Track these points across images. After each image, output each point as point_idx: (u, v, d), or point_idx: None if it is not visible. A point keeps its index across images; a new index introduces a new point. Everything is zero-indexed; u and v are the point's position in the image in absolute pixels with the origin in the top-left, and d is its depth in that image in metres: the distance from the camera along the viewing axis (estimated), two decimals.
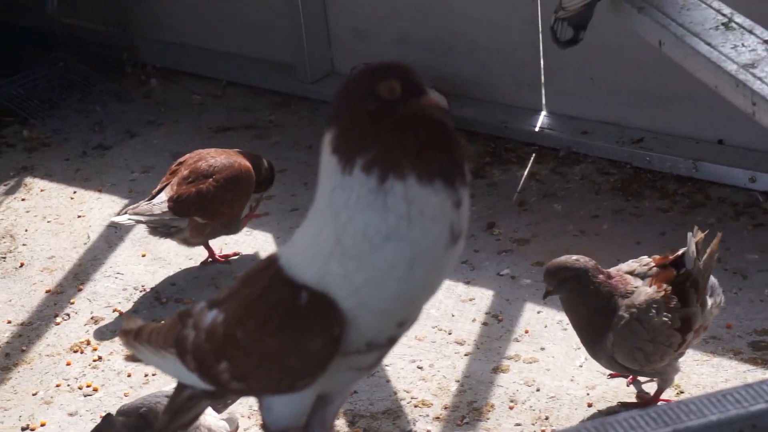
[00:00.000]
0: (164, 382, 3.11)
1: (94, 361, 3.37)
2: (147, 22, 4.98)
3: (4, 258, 3.87)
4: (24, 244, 3.93)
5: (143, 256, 3.82)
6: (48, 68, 4.84)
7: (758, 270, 3.48)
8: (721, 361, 3.16)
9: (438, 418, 3.07)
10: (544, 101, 4.27)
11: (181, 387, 1.65)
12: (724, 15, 2.68)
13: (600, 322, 2.85)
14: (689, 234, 2.90)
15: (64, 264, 3.81)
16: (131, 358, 1.74)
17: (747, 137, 3.89)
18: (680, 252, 2.91)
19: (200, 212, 3.58)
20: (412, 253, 1.33)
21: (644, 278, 2.90)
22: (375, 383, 3.18)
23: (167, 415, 1.69)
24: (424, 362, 3.26)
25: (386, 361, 3.23)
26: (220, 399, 1.64)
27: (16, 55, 4.93)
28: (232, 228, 3.71)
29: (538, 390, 3.13)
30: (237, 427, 2.83)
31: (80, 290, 3.68)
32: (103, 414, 2.73)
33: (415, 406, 3.11)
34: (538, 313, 3.40)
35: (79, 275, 3.75)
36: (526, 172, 4.09)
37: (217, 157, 3.65)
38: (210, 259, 3.77)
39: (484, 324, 3.39)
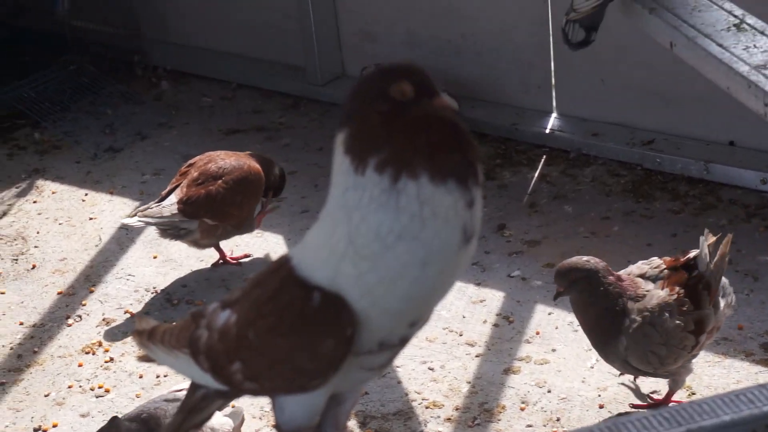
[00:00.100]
0: (175, 383, 3.12)
1: (106, 362, 3.38)
2: (157, 24, 4.99)
3: (16, 260, 3.88)
4: (36, 246, 3.95)
5: (154, 257, 3.83)
6: (59, 71, 4.86)
7: None
8: (733, 363, 3.16)
9: (449, 419, 3.07)
10: (554, 103, 4.27)
11: (194, 387, 1.66)
12: (735, 16, 2.68)
13: (610, 324, 2.84)
14: (702, 237, 2.89)
15: (76, 266, 3.82)
16: (144, 359, 1.75)
17: (758, 139, 3.88)
18: (691, 254, 2.91)
19: (210, 214, 3.59)
20: (424, 252, 1.33)
21: (655, 281, 2.90)
22: (386, 384, 3.19)
23: (180, 414, 1.69)
24: (435, 363, 3.26)
25: (397, 362, 3.23)
26: (234, 399, 1.64)
27: (27, 58, 4.95)
28: (242, 230, 3.72)
29: (549, 391, 3.12)
30: (242, 421, 2.83)
31: (92, 292, 3.69)
32: (117, 415, 2.74)
33: (427, 408, 3.11)
34: (549, 314, 3.39)
35: (91, 277, 3.76)
36: (536, 174, 4.09)
37: (226, 159, 3.66)
38: (221, 261, 3.78)
39: (495, 325, 3.39)
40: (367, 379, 1.50)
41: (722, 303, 2.93)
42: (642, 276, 2.92)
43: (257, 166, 3.69)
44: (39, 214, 4.14)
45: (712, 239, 2.89)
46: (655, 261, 2.95)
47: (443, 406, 3.11)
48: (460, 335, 3.36)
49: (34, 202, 4.21)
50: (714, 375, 3.13)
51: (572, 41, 3.08)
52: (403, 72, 1.36)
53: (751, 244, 3.59)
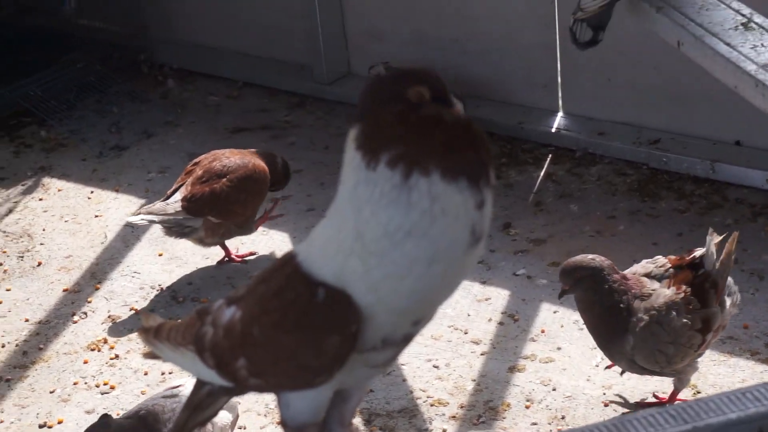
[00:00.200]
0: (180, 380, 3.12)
1: (111, 359, 3.38)
2: (164, 23, 4.99)
3: (22, 257, 3.89)
4: (42, 244, 3.95)
5: (160, 255, 3.84)
6: (65, 69, 4.87)
7: None
8: (738, 362, 3.16)
9: (454, 417, 3.07)
10: (560, 102, 4.26)
11: (199, 384, 1.66)
12: (743, 15, 2.68)
13: (616, 323, 2.84)
14: (708, 235, 2.89)
15: (82, 263, 3.83)
16: (150, 356, 1.75)
17: (765, 138, 3.88)
18: (696, 253, 2.91)
19: (214, 212, 3.59)
20: (432, 250, 1.33)
21: (661, 280, 2.90)
22: (391, 382, 3.19)
23: (186, 412, 1.69)
24: (440, 361, 3.26)
25: (402, 360, 3.23)
26: (239, 395, 1.64)
27: (33, 56, 4.96)
28: (246, 228, 3.72)
29: (554, 389, 3.12)
30: (237, 416, 2.84)
31: (97, 289, 3.69)
32: (121, 412, 2.74)
33: (432, 405, 3.11)
34: (555, 313, 3.39)
35: (97, 274, 3.77)
36: (542, 173, 4.08)
37: (231, 157, 3.66)
38: (226, 259, 3.78)
39: (500, 324, 3.39)
40: (371, 376, 1.50)
41: (728, 302, 2.93)
42: (647, 275, 2.91)
43: (262, 164, 3.70)
44: (45, 211, 4.14)
45: (718, 238, 2.89)
46: (660, 260, 2.94)
47: (448, 404, 3.11)
48: (466, 333, 3.36)
49: (40, 199, 4.21)
50: (719, 374, 3.13)
51: (580, 41, 3.08)
52: (422, 76, 1.37)
53: (757, 244, 3.59)
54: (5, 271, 3.82)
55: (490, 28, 4.31)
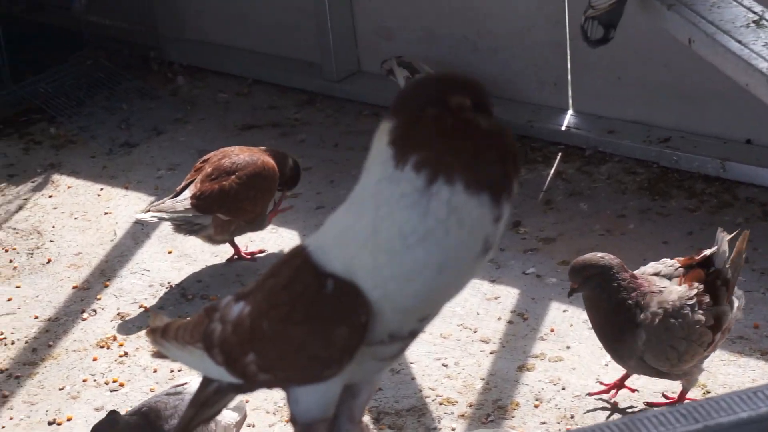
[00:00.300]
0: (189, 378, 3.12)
1: (120, 356, 3.39)
2: (173, 20, 5.00)
3: (32, 254, 3.89)
4: (51, 241, 3.96)
5: (169, 252, 3.84)
6: (75, 66, 4.87)
7: None
8: (748, 361, 3.15)
9: (463, 416, 3.06)
10: (570, 100, 4.25)
11: (206, 381, 1.65)
12: (755, 13, 2.67)
13: (624, 320, 2.83)
14: (719, 234, 2.89)
15: (91, 260, 3.83)
16: (158, 355, 1.74)
17: None
18: (706, 252, 2.90)
19: (223, 209, 3.59)
20: (442, 258, 1.33)
21: (671, 279, 2.89)
22: (400, 381, 3.18)
23: (192, 408, 1.69)
24: (449, 360, 3.25)
25: (411, 358, 3.23)
26: (247, 392, 1.63)
27: (43, 53, 4.96)
28: (256, 225, 3.72)
29: (563, 389, 3.12)
30: (245, 416, 2.84)
31: (107, 286, 3.70)
32: (129, 409, 2.74)
33: (440, 404, 3.10)
34: (564, 311, 3.39)
35: (106, 271, 3.77)
36: (552, 171, 4.08)
37: (240, 155, 3.66)
38: (236, 256, 3.78)
39: (510, 322, 3.38)
40: (379, 370, 1.50)
41: (735, 303, 2.92)
42: (656, 275, 2.91)
43: (271, 161, 3.70)
44: (54, 208, 4.15)
45: (728, 236, 2.89)
46: (668, 261, 2.94)
47: (457, 402, 3.10)
48: (475, 332, 3.35)
49: (50, 196, 4.22)
50: (729, 373, 3.12)
51: (591, 38, 3.07)
52: (466, 84, 1.37)
53: None
54: (15, 268, 3.82)
55: (499, 26, 4.30)
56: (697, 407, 1.35)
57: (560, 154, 4.16)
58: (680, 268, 2.90)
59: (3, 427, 3.17)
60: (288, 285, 1.43)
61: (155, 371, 3.31)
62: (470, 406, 3.09)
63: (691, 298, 2.83)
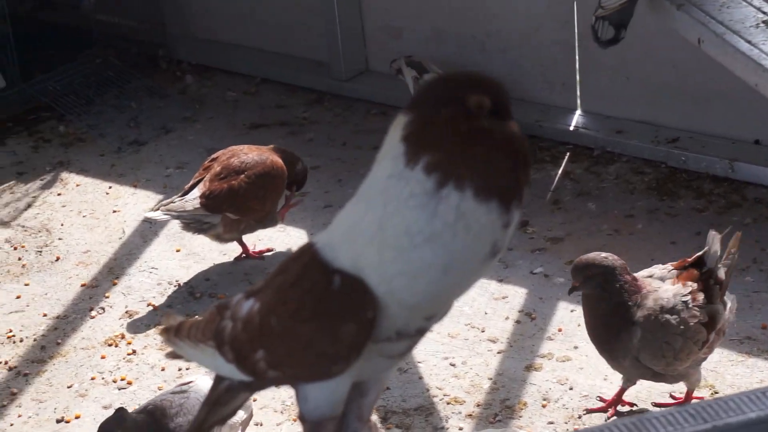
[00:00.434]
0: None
1: (129, 354, 3.39)
2: (182, 19, 5.00)
3: (41, 252, 3.90)
4: (60, 239, 3.97)
5: (178, 251, 3.84)
6: (84, 65, 4.88)
7: None
8: (756, 362, 3.14)
9: (470, 415, 3.06)
10: (578, 100, 4.25)
11: (218, 380, 1.66)
12: (764, 13, 2.67)
13: (620, 321, 2.84)
14: (710, 234, 2.89)
15: (100, 258, 3.84)
16: (172, 355, 1.74)
17: None
18: (700, 253, 2.91)
19: (232, 208, 3.60)
20: (448, 260, 1.33)
21: (664, 280, 2.91)
22: (408, 380, 3.19)
23: (205, 408, 1.69)
24: (456, 360, 3.25)
25: (419, 357, 3.23)
26: (257, 391, 1.64)
27: (52, 51, 4.97)
28: (265, 224, 3.73)
29: (571, 389, 3.12)
30: (251, 415, 2.85)
31: (115, 284, 3.71)
32: (136, 407, 2.75)
33: (448, 404, 3.11)
34: (572, 311, 3.38)
35: (114, 269, 3.78)
36: (560, 171, 4.08)
37: (249, 154, 3.67)
38: (243, 255, 3.79)
39: (517, 322, 3.38)
40: (388, 367, 1.50)
41: (728, 304, 2.93)
42: (650, 277, 2.92)
43: (280, 160, 3.70)
44: (63, 206, 4.16)
45: (719, 236, 2.90)
46: (659, 266, 2.96)
47: (464, 402, 3.10)
48: (482, 331, 3.35)
49: (59, 194, 4.23)
50: (737, 374, 3.11)
51: (602, 39, 3.08)
52: (486, 85, 1.35)
53: None
54: (24, 266, 3.84)
55: (508, 26, 4.30)
56: (705, 407, 1.35)
57: (568, 153, 4.16)
58: (673, 270, 2.92)
59: (12, 425, 3.18)
60: (296, 282, 1.43)
61: (163, 369, 3.32)
62: (478, 405, 3.09)
63: (685, 296, 2.84)
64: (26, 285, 3.74)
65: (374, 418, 3.04)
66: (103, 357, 3.39)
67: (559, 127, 4.22)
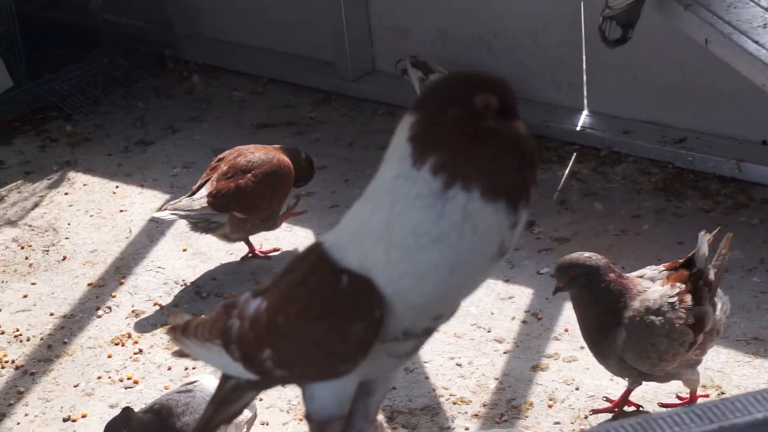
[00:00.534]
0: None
1: (135, 354, 3.40)
2: (189, 18, 5.01)
3: (47, 251, 3.91)
4: (67, 238, 3.97)
5: (184, 250, 3.85)
6: (91, 64, 4.89)
7: None
8: (763, 363, 3.14)
9: (476, 415, 3.06)
10: (585, 100, 4.25)
11: (225, 379, 1.66)
12: None
13: (608, 321, 2.83)
14: (701, 235, 2.89)
15: (106, 258, 3.85)
16: (178, 354, 1.75)
17: None
18: (690, 254, 2.91)
19: (239, 207, 3.61)
20: (455, 260, 1.33)
21: (654, 281, 2.90)
22: (414, 380, 3.19)
23: (212, 407, 1.70)
24: (463, 360, 3.25)
25: (425, 357, 3.23)
26: (264, 389, 1.64)
27: (60, 51, 4.98)
28: (271, 223, 3.73)
29: (577, 389, 3.11)
30: (255, 415, 2.85)
31: (122, 284, 3.71)
32: (144, 406, 2.76)
33: (454, 404, 3.11)
34: None
35: (121, 269, 3.79)
36: (567, 171, 4.07)
37: (255, 153, 3.68)
38: (250, 255, 3.79)
39: (524, 322, 3.38)
40: (395, 367, 1.50)
41: (719, 304, 2.91)
42: (640, 277, 2.91)
43: (287, 159, 3.71)
44: (70, 205, 4.16)
45: (710, 236, 2.89)
46: (652, 267, 2.95)
47: (471, 402, 3.10)
48: (489, 331, 3.35)
49: (66, 193, 4.23)
50: (744, 375, 3.11)
51: (609, 39, 3.07)
52: (493, 85, 1.35)
53: None
54: (30, 265, 3.84)
55: (515, 26, 4.30)
56: (711, 408, 1.35)
57: (575, 154, 4.16)
58: (664, 271, 2.91)
59: (18, 424, 3.19)
60: (304, 281, 1.43)
61: (169, 368, 3.32)
62: (484, 405, 3.09)
63: (672, 297, 2.82)
64: (33, 284, 3.75)
65: (380, 417, 3.04)
66: (109, 356, 3.40)
67: (565, 128, 4.22)
